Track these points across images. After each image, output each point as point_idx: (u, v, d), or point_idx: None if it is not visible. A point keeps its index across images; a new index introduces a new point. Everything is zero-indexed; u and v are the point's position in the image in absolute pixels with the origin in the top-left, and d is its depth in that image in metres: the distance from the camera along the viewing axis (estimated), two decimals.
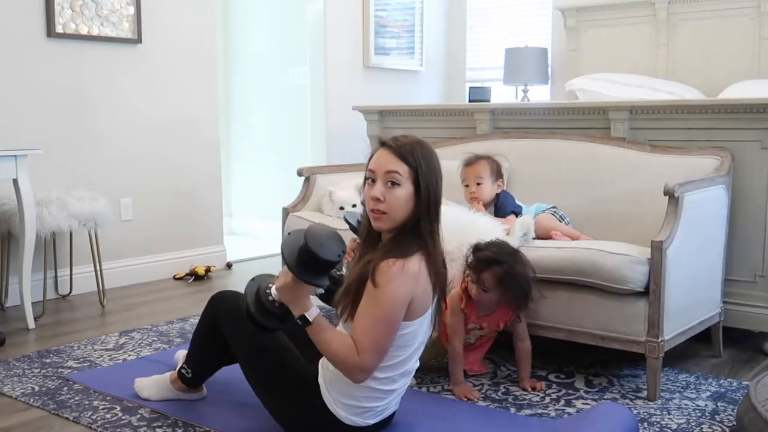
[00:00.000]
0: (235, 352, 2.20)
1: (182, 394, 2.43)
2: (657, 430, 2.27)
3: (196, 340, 2.36)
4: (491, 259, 2.51)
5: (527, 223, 2.80)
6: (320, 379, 2.05)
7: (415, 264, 1.94)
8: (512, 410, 2.43)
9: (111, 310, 3.70)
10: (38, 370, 2.78)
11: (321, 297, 2.12)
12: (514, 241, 2.70)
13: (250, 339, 2.11)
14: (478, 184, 3.04)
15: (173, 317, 3.54)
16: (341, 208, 3.39)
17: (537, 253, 2.69)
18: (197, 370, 2.38)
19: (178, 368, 2.43)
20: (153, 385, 2.46)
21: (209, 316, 2.30)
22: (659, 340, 2.47)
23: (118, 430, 2.24)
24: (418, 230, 1.98)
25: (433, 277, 1.99)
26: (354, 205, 3.39)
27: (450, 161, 3.60)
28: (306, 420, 2.07)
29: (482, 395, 2.55)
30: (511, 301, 2.54)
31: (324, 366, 2.05)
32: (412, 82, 6.00)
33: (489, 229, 2.74)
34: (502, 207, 3.03)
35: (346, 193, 3.43)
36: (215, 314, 2.27)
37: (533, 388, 2.59)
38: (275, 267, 3.78)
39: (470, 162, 3.11)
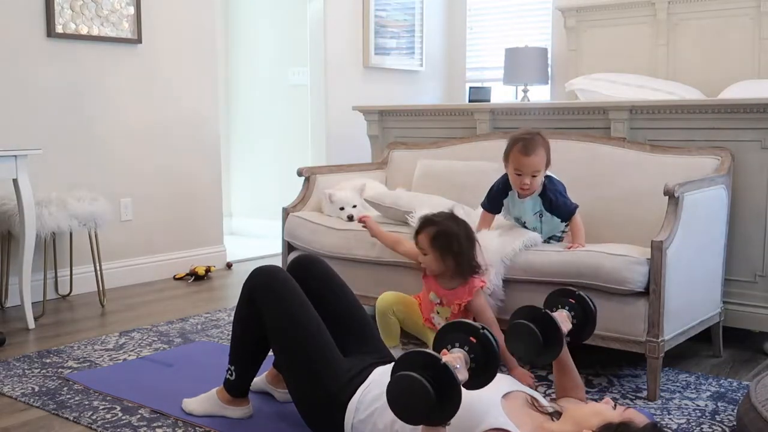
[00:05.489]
0: (269, 334, 2.14)
1: (228, 407, 2.30)
2: None
3: (235, 326, 2.26)
4: (426, 219, 2.63)
5: (536, 240, 2.82)
6: (359, 396, 1.97)
7: None
8: None
9: (111, 310, 3.70)
10: (38, 370, 2.78)
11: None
12: (516, 244, 2.75)
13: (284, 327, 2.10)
14: (533, 176, 2.76)
15: (173, 317, 3.54)
16: (341, 209, 3.39)
17: (537, 256, 2.71)
18: (240, 366, 2.26)
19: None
20: (198, 400, 2.35)
21: (245, 293, 2.22)
22: (659, 340, 2.47)
23: (118, 430, 2.24)
24: None
25: None
26: (354, 206, 3.39)
27: (450, 161, 3.62)
28: (316, 408, 2.05)
29: None
30: (450, 263, 2.58)
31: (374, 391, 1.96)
32: (412, 82, 6.00)
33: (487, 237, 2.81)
34: (555, 205, 2.80)
35: (346, 194, 3.43)
36: (251, 290, 2.19)
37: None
38: None
39: (530, 151, 2.71)
